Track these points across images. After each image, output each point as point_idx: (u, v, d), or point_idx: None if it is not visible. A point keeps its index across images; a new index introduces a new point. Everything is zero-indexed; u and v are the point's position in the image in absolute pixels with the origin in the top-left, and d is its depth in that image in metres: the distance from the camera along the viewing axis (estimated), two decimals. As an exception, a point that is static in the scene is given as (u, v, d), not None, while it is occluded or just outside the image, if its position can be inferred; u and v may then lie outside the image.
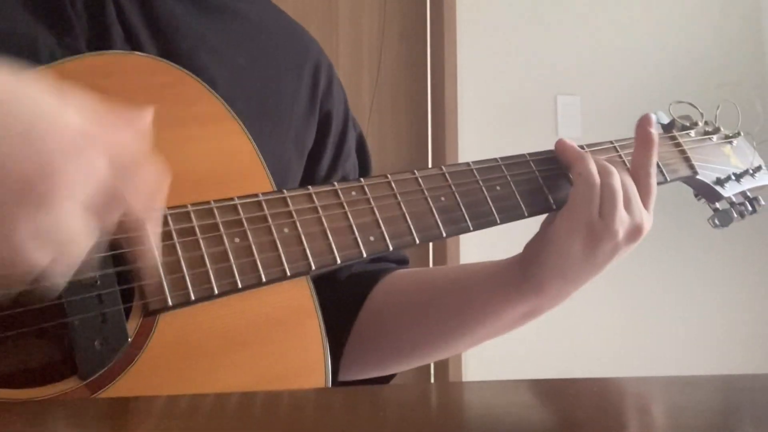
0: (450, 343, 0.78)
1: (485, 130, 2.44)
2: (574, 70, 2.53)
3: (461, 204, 0.66)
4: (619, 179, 0.69)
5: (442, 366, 2.33)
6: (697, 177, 0.81)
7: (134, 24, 0.69)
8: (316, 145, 0.80)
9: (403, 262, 0.86)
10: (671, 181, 0.79)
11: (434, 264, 2.37)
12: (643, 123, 0.73)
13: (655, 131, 0.73)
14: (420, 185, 0.65)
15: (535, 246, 0.72)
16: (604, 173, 0.69)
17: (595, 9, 2.59)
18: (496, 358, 2.25)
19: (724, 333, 2.59)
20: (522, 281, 0.72)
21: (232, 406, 0.42)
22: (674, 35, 2.64)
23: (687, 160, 0.81)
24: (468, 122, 2.42)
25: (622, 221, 0.68)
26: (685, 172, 0.81)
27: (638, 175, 0.72)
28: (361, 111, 2.37)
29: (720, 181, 0.82)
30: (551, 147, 0.74)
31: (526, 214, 0.69)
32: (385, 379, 0.82)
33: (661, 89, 2.49)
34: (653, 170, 0.72)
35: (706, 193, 0.83)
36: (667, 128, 0.83)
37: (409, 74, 2.50)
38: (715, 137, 0.86)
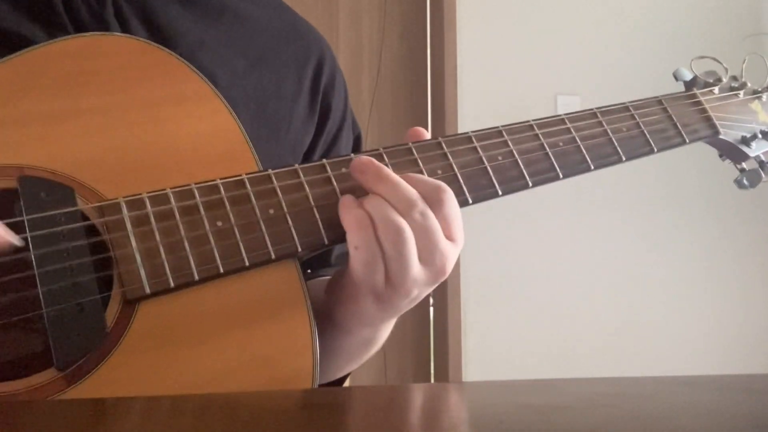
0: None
1: (485, 130, 2.44)
2: (574, 70, 2.53)
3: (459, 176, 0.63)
4: (411, 236, 0.55)
5: (442, 366, 2.32)
6: (720, 136, 0.77)
7: (133, 27, 0.68)
8: (311, 139, 0.79)
9: None
10: (691, 142, 0.75)
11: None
12: (357, 165, 0.57)
13: (373, 163, 0.58)
14: (414, 154, 0.63)
15: (334, 296, 0.61)
16: (391, 233, 0.54)
17: (595, 8, 2.59)
18: (496, 358, 2.25)
19: (723, 333, 2.59)
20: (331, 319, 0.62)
21: (215, 406, 0.41)
22: (675, 35, 2.64)
23: (708, 119, 0.76)
24: (468, 122, 2.42)
25: (415, 281, 0.56)
26: (705, 132, 0.76)
27: (414, 215, 0.56)
28: (361, 110, 2.37)
29: (746, 140, 0.77)
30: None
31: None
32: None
33: (661, 89, 2.47)
34: (420, 207, 0.56)
35: (731, 153, 0.79)
36: (688, 85, 0.78)
37: (409, 74, 2.50)
38: (741, 93, 0.81)
